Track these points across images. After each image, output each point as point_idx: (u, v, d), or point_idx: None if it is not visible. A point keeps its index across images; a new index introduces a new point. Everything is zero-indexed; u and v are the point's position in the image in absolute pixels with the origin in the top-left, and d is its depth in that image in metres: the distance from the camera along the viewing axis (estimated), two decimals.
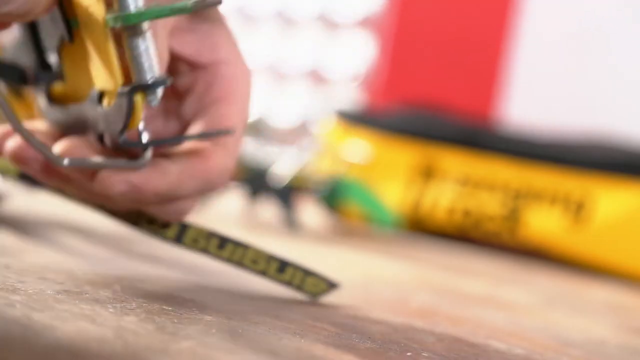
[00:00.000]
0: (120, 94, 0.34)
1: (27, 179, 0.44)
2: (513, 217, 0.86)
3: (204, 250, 0.41)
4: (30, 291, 0.33)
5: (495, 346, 0.39)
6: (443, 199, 0.89)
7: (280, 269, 0.42)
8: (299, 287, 0.43)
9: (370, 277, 0.57)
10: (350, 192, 0.89)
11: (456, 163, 0.91)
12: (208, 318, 0.33)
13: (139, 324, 0.30)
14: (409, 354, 0.34)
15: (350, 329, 0.37)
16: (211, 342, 0.30)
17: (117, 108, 0.34)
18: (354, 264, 0.64)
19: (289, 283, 0.42)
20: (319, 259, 0.59)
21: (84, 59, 0.36)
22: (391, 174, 0.92)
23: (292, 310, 0.39)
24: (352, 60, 1.37)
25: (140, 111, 0.34)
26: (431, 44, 1.21)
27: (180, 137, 0.37)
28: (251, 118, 0.35)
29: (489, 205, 0.87)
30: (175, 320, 0.32)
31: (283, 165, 0.82)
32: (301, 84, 1.40)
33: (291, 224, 0.77)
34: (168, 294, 0.37)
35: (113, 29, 0.34)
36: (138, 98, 0.34)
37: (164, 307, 0.34)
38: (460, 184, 0.90)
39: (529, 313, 0.54)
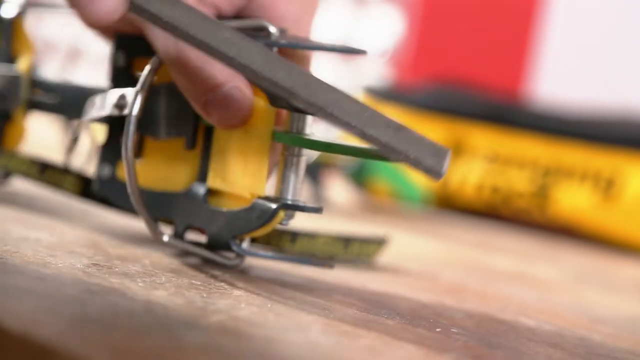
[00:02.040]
0: (261, 203, 0.35)
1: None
2: (542, 193, 0.85)
3: (278, 247, 0.42)
4: (61, 265, 0.33)
5: (525, 322, 0.39)
6: (472, 175, 0.89)
7: (345, 246, 0.44)
8: (366, 257, 0.46)
9: (399, 254, 0.57)
10: (379, 169, 0.88)
11: (485, 139, 0.90)
12: (237, 293, 0.34)
13: (168, 298, 0.31)
14: (438, 329, 0.34)
15: (379, 305, 0.37)
16: (240, 316, 0.30)
17: (247, 213, 0.36)
18: None
19: (356, 257, 0.45)
20: None
21: (194, 154, 0.38)
22: None
23: (320, 286, 0.39)
24: (380, 35, 1.36)
25: (276, 224, 0.36)
26: (460, 19, 1.20)
27: (279, 256, 0.39)
28: None
29: (518, 182, 0.86)
30: (205, 295, 0.32)
31: None
32: (329, 59, 1.39)
33: (319, 200, 0.77)
34: (197, 269, 0.37)
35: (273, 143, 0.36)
36: (281, 213, 0.35)
37: (193, 281, 0.34)
38: (489, 160, 0.89)
39: (559, 290, 0.54)
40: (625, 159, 0.83)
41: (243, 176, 0.36)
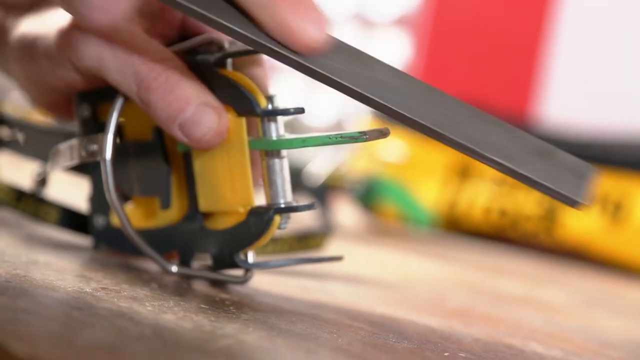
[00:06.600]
0: (255, 213, 0.36)
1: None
2: (550, 217, 0.85)
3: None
4: (69, 289, 0.33)
5: (533, 347, 0.39)
6: (479, 198, 0.89)
7: (299, 241, 0.48)
8: (316, 247, 0.49)
9: (407, 277, 0.57)
10: (386, 191, 0.88)
11: None
12: (245, 317, 0.34)
13: (177, 322, 0.31)
14: (446, 354, 0.34)
15: (387, 329, 0.37)
16: (248, 340, 0.30)
17: (244, 227, 0.36)
18: (390, 264, 0.64)
19: (309, 248, 0.48)
20: (354, 259, 0.59)
21: (180, 184, 0.39)
22: (427, 173, 0.92)
23: (328, 310, 0.39)
24: (388, 58, 1.36)
25: (275, 230, 0.36)
26: (467, 42, 1.21)
27: (286, 260, 0.40)
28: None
29: (526, 205, 0.86)
30: (213, 319, 0.32)
31: (318, 163, 0.82)
32: None
33: (326, 223, 0.77)
34: (205, 292, 0.37)
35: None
36: (277, 218, 0.36)
37: (202, 305, 0.34)
38: (496, 183, 0.89)
39: (567, 314, 0.54)
40: (633, 182, 0.83)
41: (231, 192, 0.37)
